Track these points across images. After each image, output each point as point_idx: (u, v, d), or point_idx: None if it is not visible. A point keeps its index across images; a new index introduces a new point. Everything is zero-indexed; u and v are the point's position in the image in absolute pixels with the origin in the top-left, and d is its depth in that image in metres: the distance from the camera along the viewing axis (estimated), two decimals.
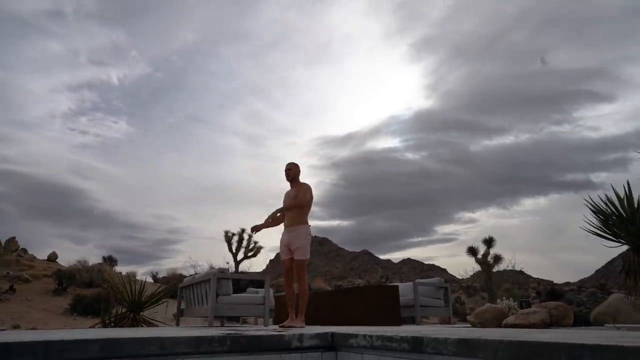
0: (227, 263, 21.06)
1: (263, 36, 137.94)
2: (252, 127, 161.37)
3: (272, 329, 4.06)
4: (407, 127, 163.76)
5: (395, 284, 7.75)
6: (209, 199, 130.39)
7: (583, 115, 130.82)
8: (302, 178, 4.98)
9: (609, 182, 5.61)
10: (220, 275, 5.60)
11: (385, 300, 6.99)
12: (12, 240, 23.39)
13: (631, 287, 5.23)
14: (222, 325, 6.98)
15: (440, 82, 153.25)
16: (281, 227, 4.94)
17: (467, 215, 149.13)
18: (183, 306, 6.88)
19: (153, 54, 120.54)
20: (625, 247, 5.41)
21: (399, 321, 6.80)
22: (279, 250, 4.93)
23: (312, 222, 4.88)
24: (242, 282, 10.51)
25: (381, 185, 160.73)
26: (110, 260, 24.49)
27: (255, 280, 10.37)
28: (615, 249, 5.59)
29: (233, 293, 5.78)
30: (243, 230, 21.28)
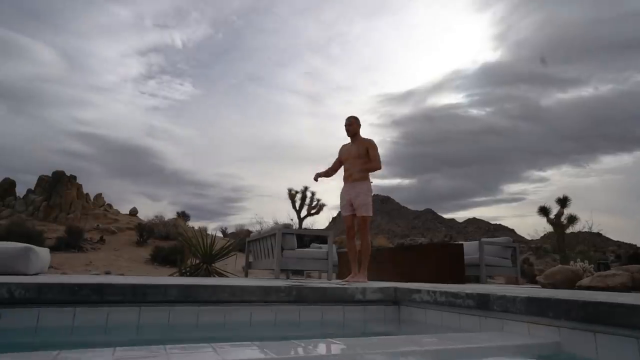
0: (291, 220, 21.79)
1: None
2: (311, 85, 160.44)
3: (335, 283, 4.18)
4: (471, 82, 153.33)
5: (460, 242, 7.60)
6: (271, 157, 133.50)
7: None
8: (363, 136, 4.88)
9: None
10: (285, 230, 5.82)
11: (449, 258, 6.90)
12: (99, 197, 25.76)
13: None
14: (288, 278, 7.31)
15: (509, 32, 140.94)
16: (340, 182, 4.90)
17: (537, 174, 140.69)
18: (251, 259, 7.27)
19: (213, 14, 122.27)
20: None
21: (462, 280, 6.71)
22: (339, 209, 4.94)
23: (373, 181, 4.79)
24: (305, 237, 10.83)
25: (443, 143, 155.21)
26: (183, 216, 26.31)
27: (319, 236, 10.68)
28: None
29: (297, 248, 6.00)
30: (306, 188, 21.75)
